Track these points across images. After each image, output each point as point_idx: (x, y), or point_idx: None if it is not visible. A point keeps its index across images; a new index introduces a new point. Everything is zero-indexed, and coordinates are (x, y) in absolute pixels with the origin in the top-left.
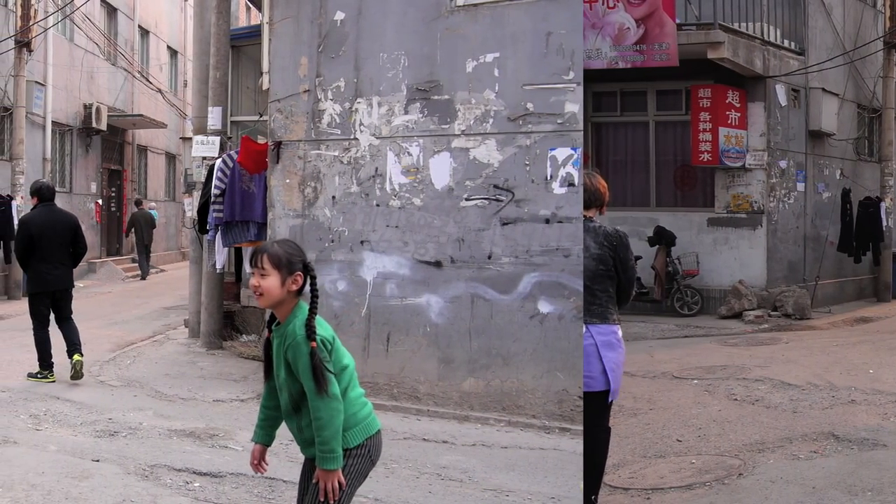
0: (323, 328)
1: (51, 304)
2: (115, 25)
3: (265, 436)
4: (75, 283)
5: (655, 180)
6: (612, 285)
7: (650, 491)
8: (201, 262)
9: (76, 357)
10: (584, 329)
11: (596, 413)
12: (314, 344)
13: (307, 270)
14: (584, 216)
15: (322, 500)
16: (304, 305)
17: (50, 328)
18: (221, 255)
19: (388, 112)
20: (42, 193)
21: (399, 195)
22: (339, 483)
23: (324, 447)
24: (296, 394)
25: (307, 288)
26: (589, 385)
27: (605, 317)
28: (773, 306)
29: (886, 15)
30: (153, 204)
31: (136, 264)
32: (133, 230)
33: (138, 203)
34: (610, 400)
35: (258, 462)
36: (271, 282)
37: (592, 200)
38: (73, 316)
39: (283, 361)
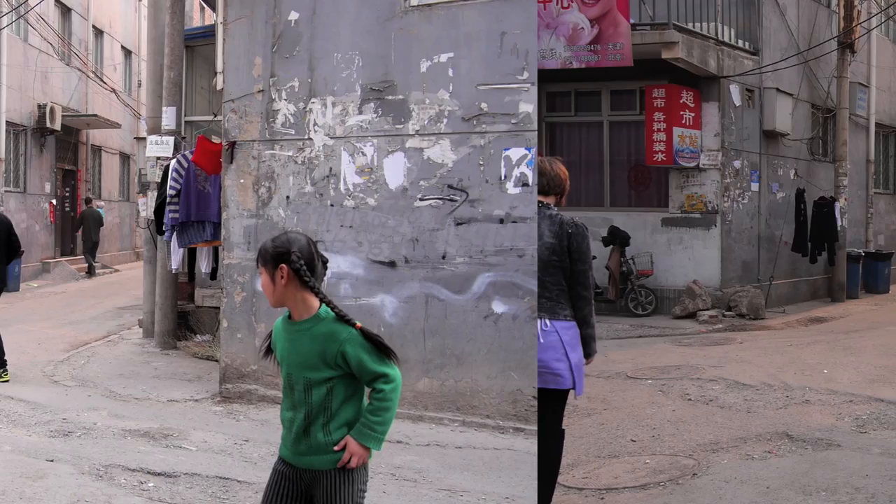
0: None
1: None
2: (70, 25)
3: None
4: (29, 282)
5: (610, 180)
6: (563, 278)
7: (604, 491)
8: (155, 261)
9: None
10: (545, 322)
11: (556, 410)
12: (359, 325)
13: (289, 261)
14: (540, 202)
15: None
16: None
17: None
18: (177, 256)
19: (343, 112)
20: None
21: (353, 195)
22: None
23: (382, 426)
24: (317, 396)
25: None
26: (558, 382)
27: (555, 311)
28: (728, 306)
29: (840, 15)
30: (101, 203)
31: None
32: (81, 228)
33: (87, 201)
34: (577, 395)
35: None
36: (264, 280)
37: (551, 187)
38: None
39: (313, 360)
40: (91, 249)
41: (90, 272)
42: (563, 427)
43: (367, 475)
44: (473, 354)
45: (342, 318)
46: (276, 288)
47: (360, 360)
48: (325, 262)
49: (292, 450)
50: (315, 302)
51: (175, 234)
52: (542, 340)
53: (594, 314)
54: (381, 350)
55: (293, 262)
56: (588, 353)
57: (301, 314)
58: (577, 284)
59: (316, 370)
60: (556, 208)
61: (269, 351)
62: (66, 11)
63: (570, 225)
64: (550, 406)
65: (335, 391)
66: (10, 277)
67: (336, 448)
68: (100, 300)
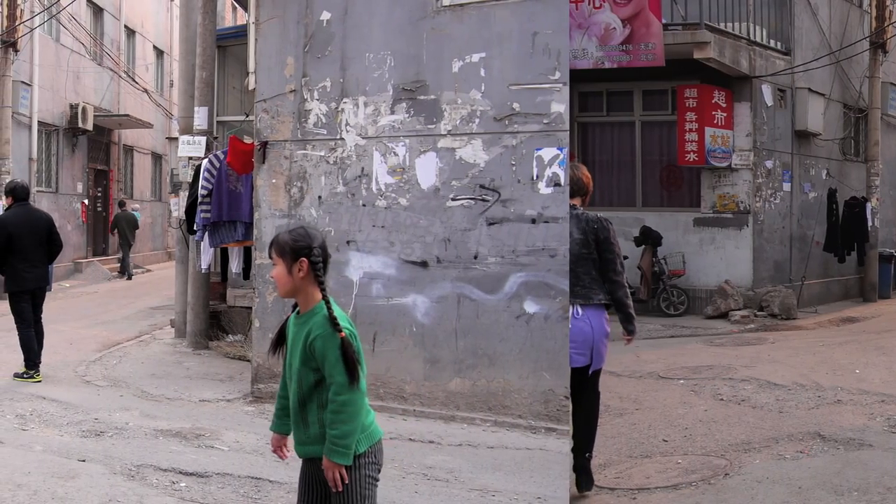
0: (345, 321)
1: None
2: (102, 25)
3: (281, 425)
4: (61, 283)
5: (641, 180)
6: (595, 268)
7: (636, 491)
8: (187, 261)
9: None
10: (577, 309)
11: (585, 381)
12: (343, 334)
13: (311, 256)
14: (571, 203)
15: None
16: (331, 298)
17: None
18: (207, 255)
19: (375, 112)
20: (16, 193)
21: (385, 195)
22: (342, 475)
23: (342, 440)
24: (306, 386)
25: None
26: (578, 361)
27: (589, 297)
28: (760, 306)
29: (872, 15)
30: (136, 205)
31: (120, 265)
32: (116, 231)
33: (122, 204)
34: (597, 368)
35: (279, 448)
36: (279, 270)
37: (577, 190)
38: (44, 317)
39: (300, 351)
40: (126, 253)
41: (123, 273)
42: (598, 391)
43: (377, 460)
44: (505, 354)
45: (332, 322)
46: (292, 279)
47: (325, 357)
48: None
49: (297, 440)
50: (318, 296)
51: (206, 233)
52: (572, 327)
53: (630, 296)
54: (349, 365)
55: (314, 258)
56: (629, 331)
57: (306, 307)
58: (607, 271)
59: (304, 361)
60: (581, 208)
61: (277, 345)
62: (97, 11)
63: (594, 220)
64: (584, 380)
65: (314, 383)
66: None
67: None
68: (132, 300)
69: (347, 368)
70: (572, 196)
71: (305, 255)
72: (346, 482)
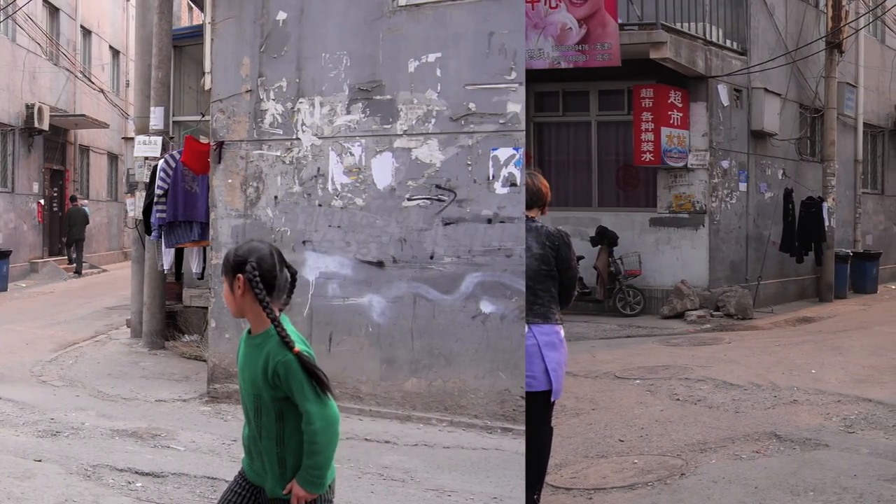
0: (301, 343)
1: None
2: (58, 25)
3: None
4: (17, 282)
5: (598, 180)
6: (554, 285)
7: (592, 491)
8: (143, 261)
9: None
10: (527, 329)
11: (538, 412)
12: (297, 349)
13: (244, 271)
14: (526, 216)
15: None
16: (285, 318)
17: None
18: (168, 256)
19: (331, 112)
20: None
21: (341, 195)
22: None
23: (316, 470)
24: (265, 416)
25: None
26: (531, 385)
27: (548, 317)
28: (716, 306)
29: (829, 15)
30: (86, 201)
31: (74, 263)
32: (68, 225)
33: (73, 199)
34: (553, 399)
35: None
36: (225, 289)
37: (535, 201)
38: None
39: (259, 377)
40: (77, 248)
41: (78, 272)
42: (552, 426)
43: (333, 497)
44: (461, 354)
45: (283, 341)
46: (234, 298)
47: (290, 384)
48: (293, 273)
49: (249, 466)
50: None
51: (163, 234)
52: (528, 348)
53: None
54: (316, 382)
55: (247, 273)
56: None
57: (257, 328)
58: (566, 289)
59: (263, 388)
60: (539, 220)
61: None
62: (54, 11)
63: (554, 236)
64: (535, 407)
65: (286, 417)
66: None
67: (284, 492)
68: (88, 300)
69: (312, 383)
70: (530, 207)
71: (241, 270)
72: None
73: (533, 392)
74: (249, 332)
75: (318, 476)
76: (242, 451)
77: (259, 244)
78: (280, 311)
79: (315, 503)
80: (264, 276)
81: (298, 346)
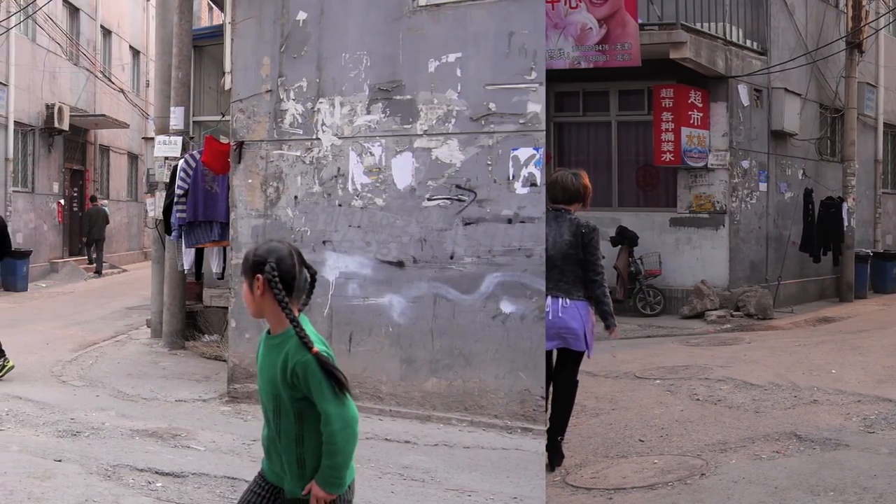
0: (320, 343)
1: None
2: (78, 25)
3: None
4: (37, 282)
5: (618, 180)
6: (580, 268)
7: (612, 491)
8: (163, 262)
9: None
10: (565, 301)
11: (572, 368)
12: (315, 350)
13: (263, 271)
14: (566, 209)
15: None
16: (304, 318)
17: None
18: (189, 256)
19: (351, 112)
20: None
21: (361, 195)
22: None
23: (335, 470)
24: (285, 417)
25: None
26: (577, 345)
27: (571, 293)
28: (736, 306)
29: (849, 15)
30: (105, 201)
31: (94, 263)
32: (89, 225)
33: (93, 199)
34: (579, 352)
35: None
36: (244, 288)
37: (575, 197)
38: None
39: (278, 377)
40: (98, 248)
41: (98, 271)
42: (577, 379)
43: (352, 497)
44: (482, 354)
45: (302, 341)
46: (254, 298)
47: (309, 384)
48: (312, 274)
49: (268, 467)
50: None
51: (183, 233)
52: (560, 314)
53: (608, 294)
54: (335, 382)
55: (266, 273)
56: (608, 326)
57: (276, 328)
58: (589, 271)
59: (281, 388)
60: (574, 213)
61: None
62: (74, 11)
63: (585, 226)
64: (569, 363)
65: (305, 417)
66: (19, 277)
67: (303, 493)
68: (108, 300)
69: (331, 383)
70: (571, 202)
71: (260, 270)
72: None
73: (570, 350)
74: (269, 332)
75: (337, 476)
76: (262, 452)
77: (278, 244)
78: (299, 311)
79: (334, 503)
80: (283, 277)
81: (317, 347)
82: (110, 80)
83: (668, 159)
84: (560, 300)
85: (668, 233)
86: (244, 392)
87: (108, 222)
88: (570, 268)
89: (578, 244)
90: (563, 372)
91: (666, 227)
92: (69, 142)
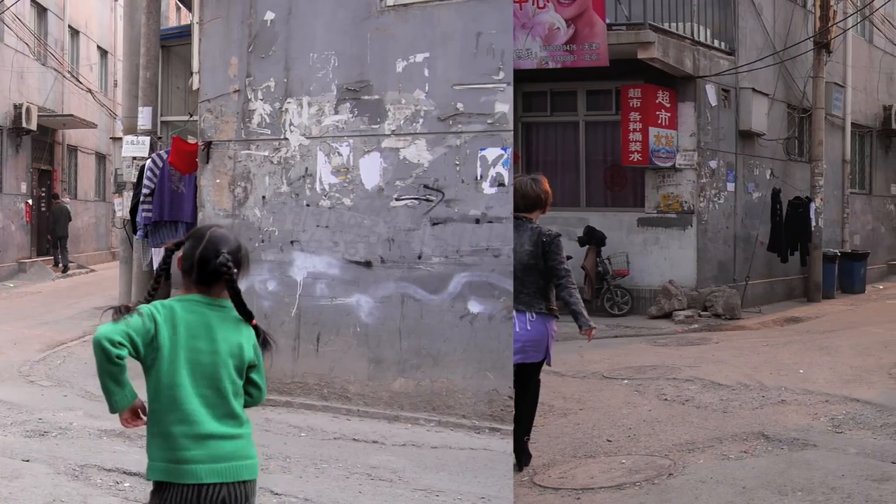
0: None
1: None
2: (46, 25)
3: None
4: (5, 282)
5: (585, 180)
6: (541, 278)
7: (580, 491)
8: (131, 261)
9: None
10: (530, 315)
11: (536, 377)
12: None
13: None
14: (526, 218)
15: None
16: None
17: None
18: (157, 255)
19: (319, 112)
20: None
21: (329, 195)
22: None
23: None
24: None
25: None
26: (533, 358)
27: (532, 305)
28: (703, 306)
29: (816, 15)
30: (67, 199)
31: (60, 262)
32: (52, 225)
33: (56, 197)
34: (548, 364)
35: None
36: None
37: (536, 204)
38: None
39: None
40: (62, 245)
41: (65, 269)
42: (539, 379)
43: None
44: (449, 354)
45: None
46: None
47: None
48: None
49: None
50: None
51: (148, 233)
52: (528, 328)
53: (575, 295)
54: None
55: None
56: (582, 325)
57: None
58: (553, 276)
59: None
60: (536, 222)
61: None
62: (41, 11)
63: (546, 234)
64: (534, 375)
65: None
66: None
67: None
68: (76, 300)
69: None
70: (531, 209)
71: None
72: None
73: (532, 363)
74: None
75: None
76: None
77: (205, 228)
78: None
79: None
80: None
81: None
82: (78, 80)
83: (635, 159)
84: (525, 314)
85: (635, 233)
86: None
87: (70, 219)
88: (531, 279)
89: (539, 254)
90: (527, 385)
91: (634, 227)
92: (37, 142)
